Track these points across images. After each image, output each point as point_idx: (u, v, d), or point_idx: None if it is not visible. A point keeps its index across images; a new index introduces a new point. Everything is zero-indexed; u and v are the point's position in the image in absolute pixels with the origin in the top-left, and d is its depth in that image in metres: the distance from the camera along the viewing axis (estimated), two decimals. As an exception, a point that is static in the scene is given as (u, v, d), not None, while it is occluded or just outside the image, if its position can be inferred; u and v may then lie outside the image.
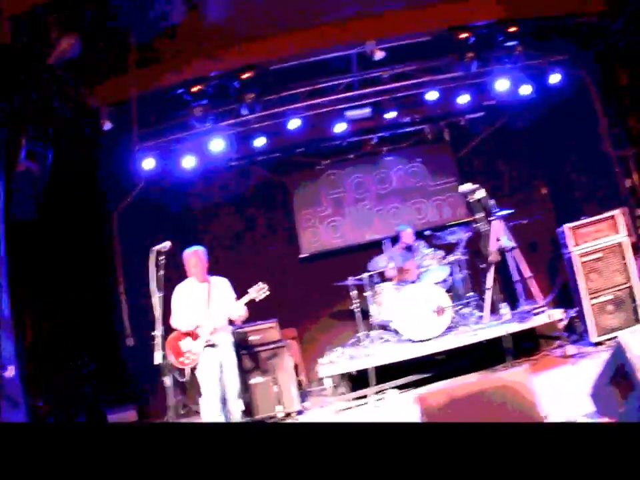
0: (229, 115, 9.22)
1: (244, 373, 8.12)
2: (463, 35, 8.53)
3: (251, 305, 7.04)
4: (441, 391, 4.97)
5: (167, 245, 6.58)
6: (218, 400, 6.99)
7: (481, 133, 11.22)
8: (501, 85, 9.58)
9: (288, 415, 8.33)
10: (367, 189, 11.20)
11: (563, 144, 10.31)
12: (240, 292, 7.23)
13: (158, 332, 6.31)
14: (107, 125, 8.49)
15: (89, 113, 8.48)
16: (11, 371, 6.45)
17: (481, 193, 8.33)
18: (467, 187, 8.43)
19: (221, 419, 6.96)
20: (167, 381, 6.42)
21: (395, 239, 9.83)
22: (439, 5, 8.36)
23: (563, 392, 6.12)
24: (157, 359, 6.32)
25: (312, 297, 10.49)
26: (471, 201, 8.56)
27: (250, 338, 8.55)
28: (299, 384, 9.04)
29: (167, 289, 6.59)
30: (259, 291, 7.05)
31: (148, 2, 6.80)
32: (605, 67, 9.48)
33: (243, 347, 8.36)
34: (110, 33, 7.07)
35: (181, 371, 7.12)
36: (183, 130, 9.32)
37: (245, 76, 8.43)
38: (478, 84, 9.95)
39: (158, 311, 6.32)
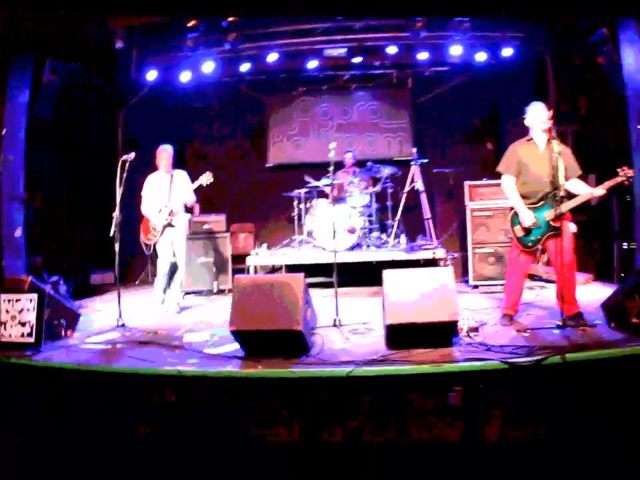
0: (218, 45, 10.69)
1: (192, 254, 9.68)
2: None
3: (216, 201, 8.89)
4: (251, 277, 7.30)
5: (131, 155, 7.52)
6: (165, 276, 8.42)
7: (441, 86, 12.39)
8: (455, 50, 10.68)
9: (222, 291, 9.95)
10: (331, 117, 12.95)
11: (511, 109, 10.49)
12: (210, 186, 8.32)
13: (115, 214, 7.47)
14: (119, 44, 9.84)
15: (106, 34, 9.75)
16: (18, 232, 8.55)
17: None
18: None
19: (163, 295, 8.48)
20: (116, 247, 7.47)
21: (341, 164, 11.28)
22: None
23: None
24: (111, 232, 7.48)
25: (270, 200, 11.98)
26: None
27: (203, 227, 10.28)
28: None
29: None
30: (206, 178, 8.19)
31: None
32: (560, 46, 10.16)
33: (196, 233, 10.07)
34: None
35: (147, 246, 8.30)
36: (179, 51, 10.88)
37: (230, 18, 9.88)
38: (435, 45, 10.95)
39: (118, 199, 7.43)
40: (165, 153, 8.47)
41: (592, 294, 7.14)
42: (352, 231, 9.88)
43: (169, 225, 8.30)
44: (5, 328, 6.27)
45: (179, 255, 8.40)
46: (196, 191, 8.30)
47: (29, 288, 6.47)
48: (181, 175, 8.58)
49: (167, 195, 8.35)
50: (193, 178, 8.35)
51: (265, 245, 10.64)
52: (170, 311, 8.31)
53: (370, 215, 10.58)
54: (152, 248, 8.37)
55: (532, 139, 6.41)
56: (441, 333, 5.44)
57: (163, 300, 8.53)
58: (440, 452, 4.63)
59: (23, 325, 6.20)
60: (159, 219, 8.28)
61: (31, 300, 6.24)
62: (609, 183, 6.02)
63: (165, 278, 8.49)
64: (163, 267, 8.46)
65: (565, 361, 4.78)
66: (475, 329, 5.91)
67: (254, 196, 12.21)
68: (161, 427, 5.05)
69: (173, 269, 8.48)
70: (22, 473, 4.93)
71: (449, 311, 5.37)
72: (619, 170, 5.99)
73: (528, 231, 6.26)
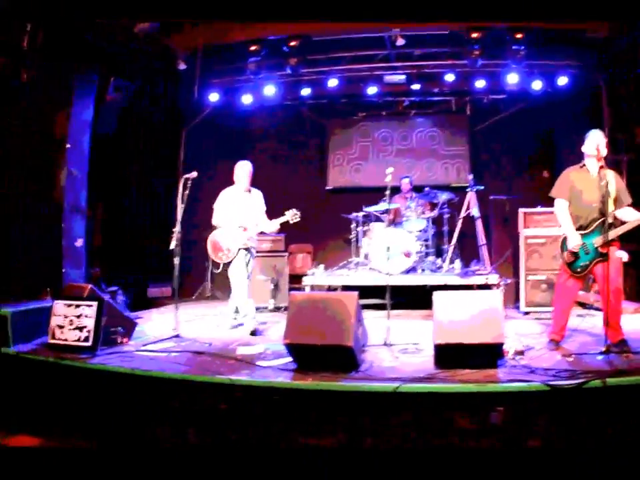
0: (279, 70, 11.09)
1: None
2: (475, 35, 9.70)
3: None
4: (306, 293, 7.88)
5: (194, 174, 7.65)
6: (247, 293, 8.09)
7: (500, 113, 12.54)
8: (511, 78, 10.89)
9: (278, 308, 10.17)
10: (391, 142, 13.31)
11: (566, 138, 11.10)
12: (270, 206, 8.43)
13: (176, 229, 7.56)
14: (182, 66, 10.43)
15: (169, 55, 10.30)
16: (79, 242, 9.00)
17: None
18: None
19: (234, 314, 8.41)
20: (176, 261, 7.56)
21: (399, 188, 11.57)
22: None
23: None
24: (172, 245, 7.55)
25: (329, 222, 12.23)
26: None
27: (262, 245, 10.48)
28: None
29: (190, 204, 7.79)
30: (293, 216, 7.99)
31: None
32: (614, 75, 10.29)
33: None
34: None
35: (215, 264, 8.17)
36: (241, 75, 11.29)
37: (292, 43, 10.17)
38: (492, 73, 11.18)
39: (179, 215, 7.60)
40: (244, 168, 8.37)
41: (640, 323, 7.24)
42: (407, 255, 10.03)
43: (245, 247, 8.15)
44: (61, 331, 6.68)
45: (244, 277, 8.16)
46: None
47: (89, 295, 7.02)
48: (258, 195, 8.48)
49: (244, 214, 8.19)
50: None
51: (322, 266, 10.92)
52: (224, 325, 8.49)
53: (426, 240, 10.73)
54: (221, 266, 8.21)
55: (585, 165, 6.54)
56: (487, 355, 5.60)
57: (235, 318, 8.50)
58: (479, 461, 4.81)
59: (80, 329, 6.62)
60: (235, 239, 8.08)
61: (89, 306, 6.65)
62: None
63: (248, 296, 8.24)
64: (242, 290, 8.13)
65: (605, 385, 4.90)
66: (521, 352, 6.04)
67: (313, 217, 12.19)
68: (210, 433, 5.32)
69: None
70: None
71: (494, 333, 5.54)
72: None
73: (577, 257, 6.38)
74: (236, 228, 8.12)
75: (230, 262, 8.10)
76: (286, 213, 8.06)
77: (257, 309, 9.86)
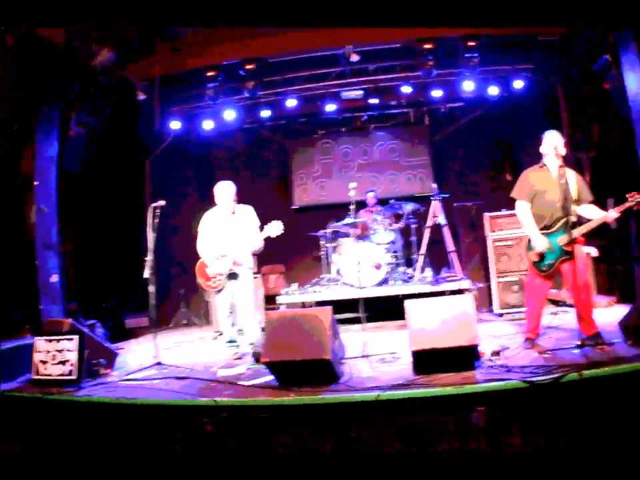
0: (237, 94, 11.20)
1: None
2: (427, 46, 9.88)
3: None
4: (281, 312, 7.97)
5: (161, 202, 7.53)
6: (228, 317, 7.69)
7: (458, 121, 12.81)
8: (467, 85, 11.04)
9: None
10: (352, 158, 13.42)
11: (525, 140, 11.33)
12: None
13: (149, 258, 7.44)
14: (141, 96, 10.52)
15: (128, 87, 10.37)
16: (54, 278, 8.94)
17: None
18: None
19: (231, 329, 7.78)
20: (151, 289, 7.42)
21: (364, 203, 11.63)
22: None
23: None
24: (145, 274, 7.41)
25: (298, 241, 11.97)
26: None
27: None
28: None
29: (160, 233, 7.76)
30: (276, 228, 7.30)
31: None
32: (570, 76, 10.38)
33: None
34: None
35: (205, 291, 8.31)
36: (201, 101, 11.42)
37: (248, 67, 10.27)
38: (448, 82, 11.38)
39: (150, 243, 7.50)
40: (224, 188, 7.78)
41: (614, 315, 7.26)
42: (378, 267, 10.08)
43: (232, 276, 7.62)
44: (45, 367, 6.71)
45: (244, 306, 7.63)
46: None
47: (69, 329, 7.08)
48: (246, 212, 7.85)
49: (229, 236, 7.62)
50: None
51: (295, 284, 10.92)
52: (227, 354, 7.85)
53: (395, 251, 10.81)
54: (213, 294, 8.08)
55: (545, 165, 6.64)
56: (463, 357, 5.66)
57: (235, 332, 7.91)
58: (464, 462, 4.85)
59: (64, 363, 6.63)
60: (220, 267, 7.60)
61: (71, 340, 6.67)
62: (621, 207, 6.23)
63: (228, 319, 7.78)
64: (222, 313, 7.83)
65: (582, 378, 4.97)
66: (497, 353, 6.11)
67: (282, 237, 12.26)
68: (196, 452, 5.34)
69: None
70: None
71: (468, 335, 5.61)
72: (627, 195, 6.18)
73: (542, 256, 6.47)
74: (220, 254, 7.62)
75: (222, 289, 7.67)
76: (266, 227, 7.43)
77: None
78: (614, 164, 9.53)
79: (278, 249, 12.08)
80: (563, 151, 6.49)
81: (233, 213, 7.78)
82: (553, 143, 6.50)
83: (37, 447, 5.95)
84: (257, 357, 7.18)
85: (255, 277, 10.19)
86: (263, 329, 8.64)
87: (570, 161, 9.93)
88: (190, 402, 5.59)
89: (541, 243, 6.42)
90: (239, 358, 7.70)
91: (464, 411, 4.96)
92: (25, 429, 6.12)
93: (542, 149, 6.64)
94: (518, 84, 11.27)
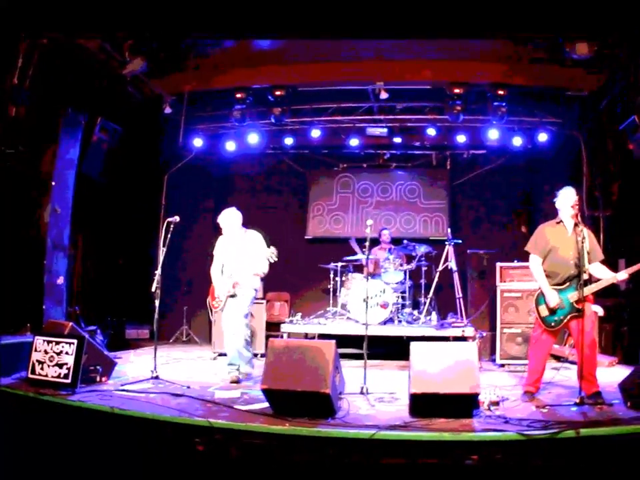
0: (263, 118, 11.27)
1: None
2: (457, 90, 9.93)
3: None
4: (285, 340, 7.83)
5: (176, 218, 7.64)
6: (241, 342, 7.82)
7: (480, 168, 12.84)
8: (492, 134, 11.17)
9: (254, 355, 9.38)
10: (371, 194, 13.45)
11: (544, 193, 10.95)
12: None
13: (158, 272, 7.44)
14: (168, 110, 10.63)
15: (155, 99, 10.52)
16: (60, 280, 8.99)
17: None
18: None
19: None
20: (156, 303, 7.49)
21: (378, 240, 11.67)
22: (442, 61, 9.61)
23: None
24: (152, 288, 7.46)
25: (307, 271, 12.41)
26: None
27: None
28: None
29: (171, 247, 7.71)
30: (270, 255, 7.63)
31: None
32: (594, 132, 10.51)
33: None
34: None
35: (211, 311, 8.09)
36: (226, 121, 11.44)
37: (277, 92, 10.36)
38: (473, 128, 11.51)
39: (161, 258, 7.61)
40: (225, 218, 8.10)
41: (614, 376, 7.23)
42: (384, 306, 10.10)
43: (232, 296, 7.94)
44: (41, 367, 6.67)
45: (229, 325, 7.94)
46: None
47: (69, 333, 7.00)
48: (253, 238, 8.13)
49: (232, 262, 8.01)
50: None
51: (299, 314, 10.89)
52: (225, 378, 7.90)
53: (403, 292, 10.77)
54: (217, 314, 8.21)
55: (561, 221, 6.67)
56: (462, 404, 5.63)
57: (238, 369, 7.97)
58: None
59: (60, 366, 6.59)
60: (222, 288, 7.98)
61: (70, 344, 6.62)
62: (631, 269, 6.24)
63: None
64: (227, 333, 8.07)
65: (579, 436, 4.93)
66: (496, 403, 6.05)
67: (291, 266, 12.38)
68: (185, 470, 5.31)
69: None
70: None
71: (470, 383, 5.58)
72: None
73: (552, 311, 6.46)
74: (225, 276, 8.01)
75: (223, 308, 8.00)
76: (266, 250, 7.83)
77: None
78: (629, 225, 9.51)
79: (287, 276, 12.26)
80: (575, 209, 6.50)
81: (240, 238, 8.10)
82: (566, 200, 6.54)
83: (23, 445, 5.91)
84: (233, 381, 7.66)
85: (260, 303, 10.44)
86: (255, 355, 9.17)
87: (585, 217, 10.16)
88: (184, 420, 5.54)
89: (552, 299, 6.42)
90: (237, 382, 7.69)
91: (459, 458, 4.92)
92: (12, 425, 6.10)
93: (557, 204, 6.67)
94: (542, 137, 11.36)
